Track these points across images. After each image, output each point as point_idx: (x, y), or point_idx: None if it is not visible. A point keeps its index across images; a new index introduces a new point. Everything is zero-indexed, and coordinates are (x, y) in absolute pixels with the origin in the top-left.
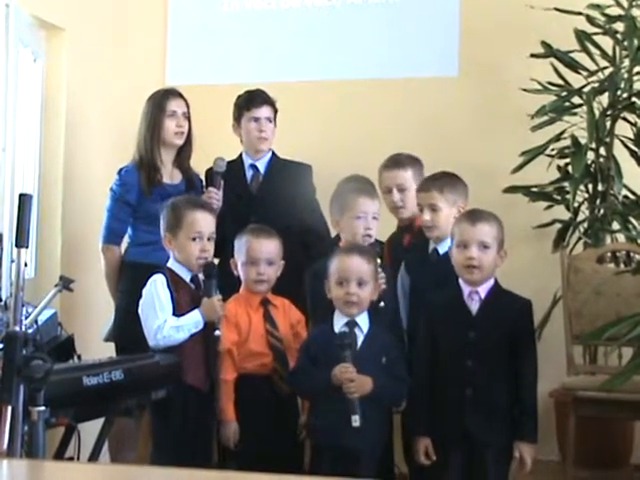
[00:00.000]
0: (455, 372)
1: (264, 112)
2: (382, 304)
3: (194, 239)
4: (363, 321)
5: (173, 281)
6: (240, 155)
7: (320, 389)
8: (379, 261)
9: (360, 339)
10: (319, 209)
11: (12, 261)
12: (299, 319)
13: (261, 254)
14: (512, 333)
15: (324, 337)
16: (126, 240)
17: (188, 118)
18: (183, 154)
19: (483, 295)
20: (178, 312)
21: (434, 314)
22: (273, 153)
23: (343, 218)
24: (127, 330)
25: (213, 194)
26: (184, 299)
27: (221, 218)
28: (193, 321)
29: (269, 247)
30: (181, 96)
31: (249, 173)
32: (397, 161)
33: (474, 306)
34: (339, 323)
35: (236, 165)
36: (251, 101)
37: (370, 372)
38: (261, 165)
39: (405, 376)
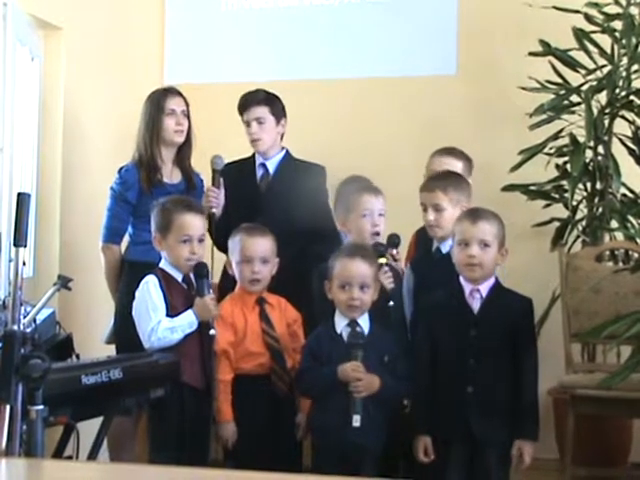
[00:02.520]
0: (457, 370)
1: (252, 114)
2: (391, 303)
3: (184, 242)
4: (364, 321)
5: (165, 282)
6: (253, 153)
7: (326, 388)
8: (385, 260)
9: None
10: (329, 210)
11: (10, 260)
12: (295, 318)
13: (255, 253)
14: (513, 331)
15: (327, 337)
16: (126, 239)
17: (188, 116)
18: (183, 153)
19: (484, 293)
20: (171, 312)
21: (436, 312)
22: (287, 152)
23: (349, 218)
24: (127, 330)
25: (211, 192)
26: (177, 299)
27: (227, 215)
28: (187, 321)
29: (263, 245)
30: (180, 94)
31: (259, 172)
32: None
33: (475, 304)
34: (341, 323)
35: (248, 163)
36: (241, 105)
37: (373, 371)
38: (271, 165)
39: (407, 374)
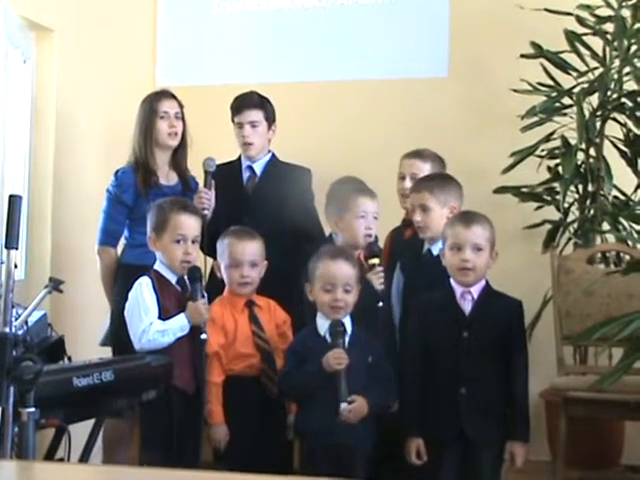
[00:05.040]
0: (449, 371)
1: (247, 117)
2: (381, 304)
3: (178, 241)
4: (347, 323)
5: (159, 283)
6: (239, 156)
7: (312, 387)
8: (377, 260)
9: (345, 340)
10: (315, 212)
11: (2, 262)
12: (285, 319)
13: (244, 256)
14: (504, 333)
15: (311, 339)
16: (122, 242)
17: (182, 119)
18: (178, 155)
19: (476, 295)
20: (164, 315)
21: (427, 314)
22: (273, 155)
23: (343, 219)
24: (123, 333)
25: (203, 194)
26: (170, 302)
27: (215, 218)
28: (178, 325)
29: (252, 249)
30: (174, 97)
31: (245, 174)
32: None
33: (467, 306)
34: (324, 325)
35: (234, 166)
36: (235, 107)
37: (357, 372)
38: (258, 167)
39: (392, 375)
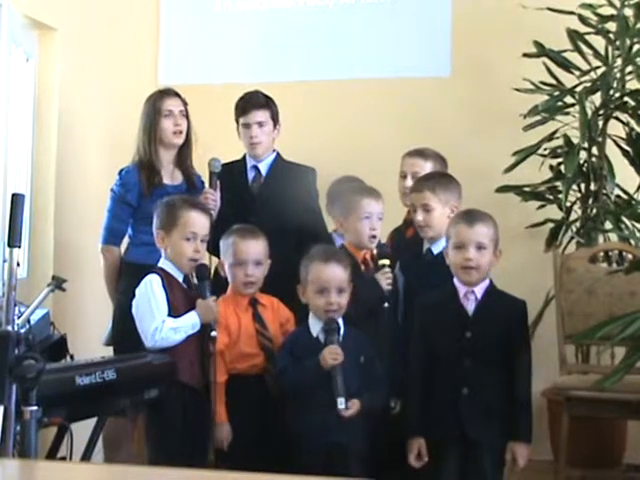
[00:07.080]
0: (452, 371)
1: (253, 117)
2: (386, 305)
3: (188, 239)
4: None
5: (167, 281)
6: (244, 156)
7: (307, 384)
8: (388, 262)
9: (339, 337)
10: (320, 211)
11: (4, 261)
12: (288, 317)
13: (248, 255)
14: (507, 333)
15: (303, 340)
16: (126, 241)
17: (186, 117)
18: (183, 153)
19: (479, 295)
20: (172, 313)
21: (430, 314)
22: (277, 154)
23: (348, 219)
24: (126, 332)
25: (209, 195)
26: (178, 300)
27: (221, 218)
28: (191, 322)
29: (256, 248)
30: (177, 95)
31: (251, 174)
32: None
33: (470, 306)
34: (316, 326)
35: (239, 166)
36: (242, 107)
37: (349, 371)
38: (263, 167)
39: (384, 376)
